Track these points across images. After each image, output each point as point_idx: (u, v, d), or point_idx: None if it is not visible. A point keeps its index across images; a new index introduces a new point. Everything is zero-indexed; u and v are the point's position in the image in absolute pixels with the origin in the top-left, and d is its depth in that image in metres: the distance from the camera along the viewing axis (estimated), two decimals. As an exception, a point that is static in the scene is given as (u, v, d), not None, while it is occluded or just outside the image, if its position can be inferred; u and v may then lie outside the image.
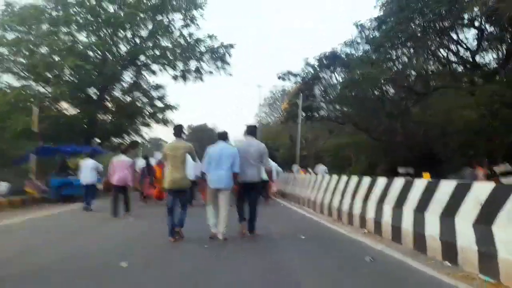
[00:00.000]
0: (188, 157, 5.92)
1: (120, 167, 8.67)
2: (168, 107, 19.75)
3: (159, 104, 20.12)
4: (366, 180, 7.33)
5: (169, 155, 5.71)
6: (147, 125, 21.05)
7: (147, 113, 20.06)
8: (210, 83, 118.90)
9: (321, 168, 22.55)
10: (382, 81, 17.63)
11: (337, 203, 8.39)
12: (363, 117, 26.18)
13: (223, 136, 6.11)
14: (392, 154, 27.16)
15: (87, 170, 10.05)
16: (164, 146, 6.02)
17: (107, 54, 16.57)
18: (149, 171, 11.72)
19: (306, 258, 4.81)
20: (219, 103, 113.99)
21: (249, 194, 6.05)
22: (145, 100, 19.94)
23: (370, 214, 6.65)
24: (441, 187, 4.95)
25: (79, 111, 17.06)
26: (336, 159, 37.53)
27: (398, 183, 6.13)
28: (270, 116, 54.82)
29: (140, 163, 12.36)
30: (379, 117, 26.50)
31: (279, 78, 25.40)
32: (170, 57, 17.73)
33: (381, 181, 6.75)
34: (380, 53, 16.71)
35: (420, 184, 5.47)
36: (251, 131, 6.28)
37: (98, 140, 20.58)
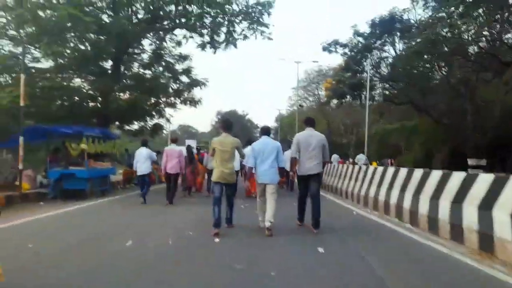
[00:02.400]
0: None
1: (172, 156, 9.15)
2: (196, 82, 16.56)
3: (184, 79, 17.00)
4: None
5: (218, 149, 5.77)
6: (172, 105, 18.01)
7: (171, 90, 16.98)
8: (240, 62, 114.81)
9: (360, 157, 19.97)
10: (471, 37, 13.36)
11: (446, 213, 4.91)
12: (422, 95, 21.96)
13: (266, 131, 6.27)
14: (456, 141, 22.87)
15: (141, 159, 9.43)
16: (213, 140, 6.05)
17: (121, 16, 13.47)
18: (191, 161, 11.19)
19: None
20: (250, 87, 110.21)
21: (310, 187, 5.98)
22: (168, 75, 16.87)
23: None
24: None
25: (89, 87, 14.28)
26: (381, 147, 33.34)
27: None
28: (305, 100, 50.89)
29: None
30: (442, 95, 22.25)
31: (324, 49, 21.58)
32: (195, 20, 14.35)
33: None
34: (467, 6, 12.56)
35: None
36: (310, 122, 6.35)
37: (117, 123, 17.86)
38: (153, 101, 17.12)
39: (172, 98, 17.75)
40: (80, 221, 7.08)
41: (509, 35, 16.50)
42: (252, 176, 10.41)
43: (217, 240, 5.01)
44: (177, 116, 71.73)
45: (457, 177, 5.61)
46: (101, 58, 14.83)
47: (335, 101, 25.99)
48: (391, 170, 8.15)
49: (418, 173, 6.82)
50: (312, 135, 6.06)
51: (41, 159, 11.80)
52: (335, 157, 22.62)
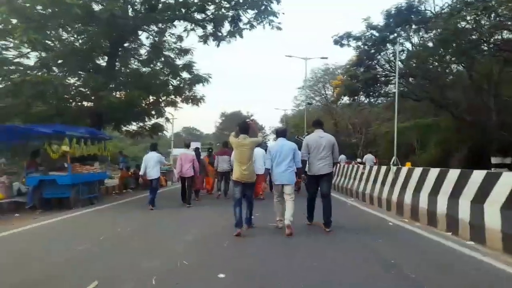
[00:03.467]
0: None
1: (186, 160, 9.56)
2: (198, 78, 15.12)
3: (185, 75, 15.56)
4: None
5: (236, 151, 5.89)
6: (173, 103, 16.56)
7: (171, 87, 15.53)
8: (244, 62, 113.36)
9: (368, 157, 19.12)
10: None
11: None
12: (441, 91, 20.38)
13: (283, 133, 6.41)
14: (478, 139, 21.21)
15: (151, 164, 9.24)
16: (231, 140, 6.00)
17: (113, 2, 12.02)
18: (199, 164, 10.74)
19: None
20: (254, 87, 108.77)
21: (321, 186, 6.13)
22: (167, 70, 15.46)
23: None
24: None
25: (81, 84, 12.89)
26: (393, 147, 31.63)
27: None
28: (311, 100, 49.32)
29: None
30: (462, 91, 20.66)
31: (335, 43, 20.01)
32: (196, 9, 12.97)
33: None
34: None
35: None
36: (319, 124, 6.47)
37: (113, 124, 16.49)
38: (151, 99, 15.73)
39: (173, 96, 16.33)
40: (45, 242, 5.64)
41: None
42: (260, 179, 9.53)
43: (221, 275, 3.54)
44: (181, 118, 70.76)
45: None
46: (94, 53, 13.48)
47: (346, 98, 24.42)
48: (434, 171, 6.66)
49: (478, 175, 5.33)
50: (321, 137, 6.18)
51: (19, 163, 10.41)
52: (342, 157, 21.25)
